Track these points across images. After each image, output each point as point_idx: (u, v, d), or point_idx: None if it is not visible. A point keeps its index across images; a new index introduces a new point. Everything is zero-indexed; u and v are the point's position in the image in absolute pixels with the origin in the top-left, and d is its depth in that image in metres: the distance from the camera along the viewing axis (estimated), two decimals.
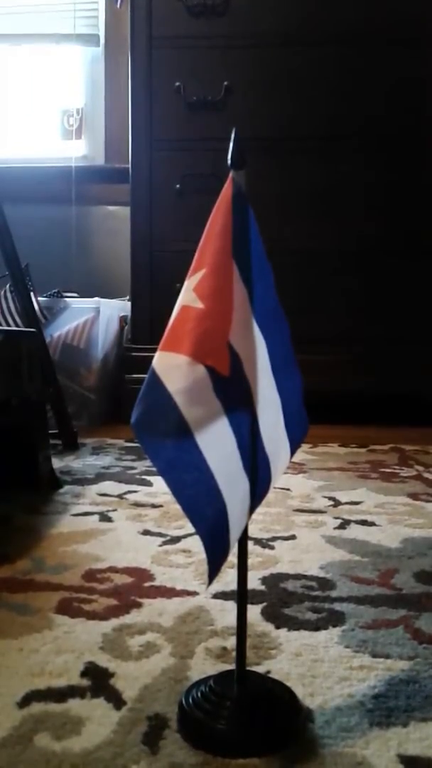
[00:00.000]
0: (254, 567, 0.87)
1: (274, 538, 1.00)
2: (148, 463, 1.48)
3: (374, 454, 1.70)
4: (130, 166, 2.18)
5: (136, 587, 0.81)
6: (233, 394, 0.49)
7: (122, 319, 2.33)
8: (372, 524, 1.09)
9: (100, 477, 1.40)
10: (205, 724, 0.52)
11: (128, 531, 1.04)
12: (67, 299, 2.23)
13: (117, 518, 1.10)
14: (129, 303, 2.24)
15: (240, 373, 0.49)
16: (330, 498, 1.25)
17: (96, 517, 1.10)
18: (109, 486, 1.32)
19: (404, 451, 1.74)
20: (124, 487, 1.31)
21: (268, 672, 0.61)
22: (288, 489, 1.31)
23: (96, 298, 2.22)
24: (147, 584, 0.82)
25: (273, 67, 2.10)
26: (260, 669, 0.62)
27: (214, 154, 2.02)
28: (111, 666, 0.62)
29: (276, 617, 0.73)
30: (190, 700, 0.54)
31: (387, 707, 0.56)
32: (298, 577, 0.85)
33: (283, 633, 0.69)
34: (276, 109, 2.10)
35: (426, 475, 1.46)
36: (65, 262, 2.62)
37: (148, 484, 1.34)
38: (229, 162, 0.49)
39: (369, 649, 0.66)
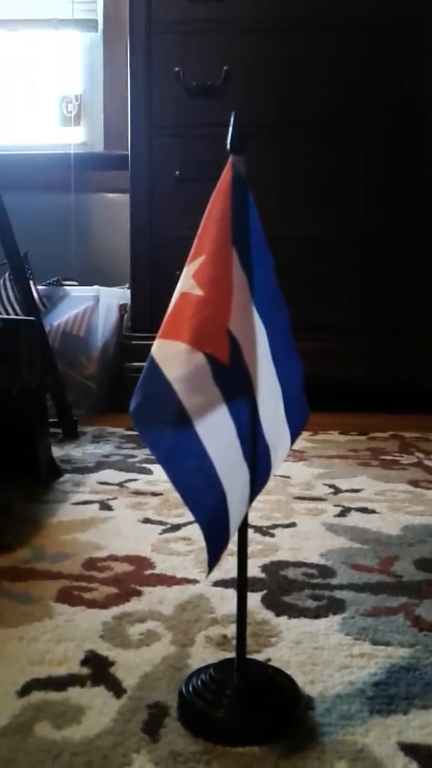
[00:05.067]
0: (254, 555, 0.87)
1: (275, 526, 1.00)
2: (148, 451, 1.48)
3: (374, 442, 1.70)
4: (129, 152, 2.17)
5: (136, 575, 0.81)
6: (233, 382, 0.48)
7: (122, 307, 2.32)
8: (372, 512, 1.09)
9: (100, 465, 1.40)
10: (206, 713, 0.52)
11: (128, 519, 1.04)
12: (66, 287, 2.22)
13: (117, 507, 1.10)
14: (129, 291, 2.23)
15: (240, 361, 0.49)
16: (330, 485, 1.25)
17: (96, 506, 1.10)
18: (109, 474, 1.32)
19: (404, 438, 1.74)
20: (124, 476, 1.31)
21: (269, 660, 0.61)
22: (288, 477, 1.31)
23: (95, 286, 2.22)
24: (147, 572, 0.82)
25: (273, 53, 2.08)
26: (260, 657, 0.62)
27: (214, 140, 2.00)
28: (111, 654, 0.62)
29: (276, 605, 0.73)
30: (191, 688, 0.54)
31: (387, 695, 0.56)
32: (298, 564, 0.85)
33: (283, 621, 0.69)
34: (276, 95, 2.08)
35: (426, 462, 1.46)
36: (64, 250, 2.61)
37: (149, 472, 1.34)
38: (228, 146, 0.48)
39: (369, 636, 0.66)
